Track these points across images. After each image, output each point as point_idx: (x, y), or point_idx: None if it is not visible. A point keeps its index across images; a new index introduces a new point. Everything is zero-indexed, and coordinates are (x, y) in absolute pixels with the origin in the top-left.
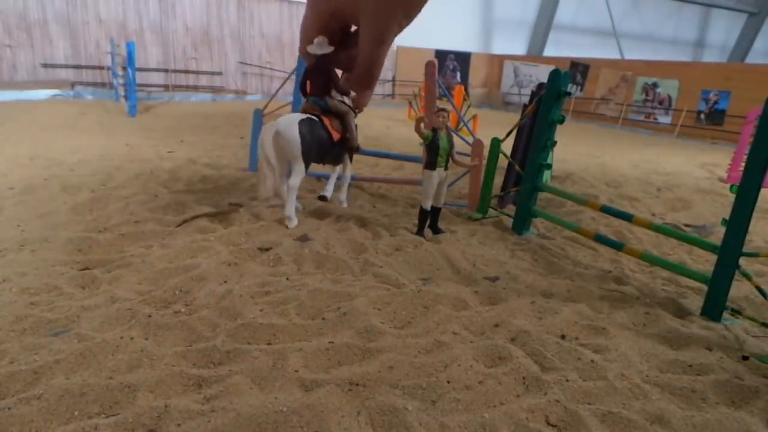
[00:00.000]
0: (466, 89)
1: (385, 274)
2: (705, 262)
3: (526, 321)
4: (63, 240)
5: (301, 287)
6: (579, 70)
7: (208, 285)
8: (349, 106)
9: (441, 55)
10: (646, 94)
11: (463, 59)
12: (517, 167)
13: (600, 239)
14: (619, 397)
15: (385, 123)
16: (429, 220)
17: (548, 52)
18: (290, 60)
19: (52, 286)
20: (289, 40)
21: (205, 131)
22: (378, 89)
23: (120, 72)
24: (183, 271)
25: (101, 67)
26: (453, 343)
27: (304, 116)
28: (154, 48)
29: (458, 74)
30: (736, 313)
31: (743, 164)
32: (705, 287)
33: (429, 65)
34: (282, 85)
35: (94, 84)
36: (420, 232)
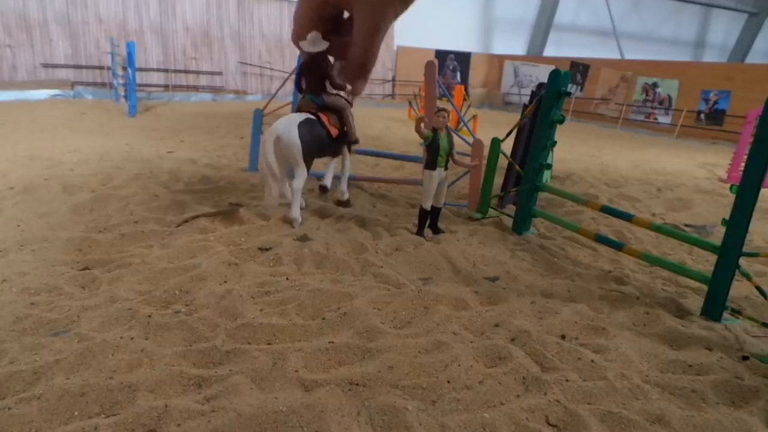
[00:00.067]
0: (466, 89)
1: (385, 274)
2: (705, 262)
3: (526, 321)
4: (63, 240)
5: (301, 287)
6: (579, 70)
7: (208, 285)
8: (345, 100)
9: (441, 55)
10: (646, 94)
11: (463, 59)
12: (517, 167)
13: (600, 239)
14: (619, 397)
15: (385, 123)
16: (429, 220)
17: (548, 52)
18: (290, 60)
19: (52, 286)
20: (289, 40)
21: (205, 131)
22: (378, 89)
23: (120, 72)
24: (183, 271)
25: (101, 67)
26: (453, 343)
27: (303, 117)
28: (154, 48)
29: (458, 74)
30: (736, 313)
31: (743, 164)
32: (705, 287)
33: (429, 65)
34: (282, 85)
35: (94, 84)
36: (420, 232)
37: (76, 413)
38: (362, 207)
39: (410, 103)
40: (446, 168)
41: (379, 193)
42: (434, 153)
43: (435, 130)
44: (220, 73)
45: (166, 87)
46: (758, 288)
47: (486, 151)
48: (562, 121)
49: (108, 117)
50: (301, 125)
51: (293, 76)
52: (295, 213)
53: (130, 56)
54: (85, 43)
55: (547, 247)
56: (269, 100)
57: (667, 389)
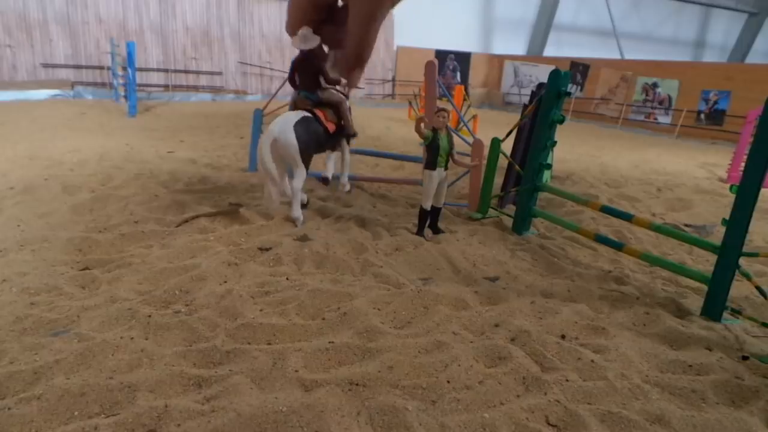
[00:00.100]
0: (466, 89)
1: (385, 274)
2: (705, 262)
3: (526, 321)
4: (63, 240)
5: (301, 287)
6: (579, 70)
7: (208, 285)
8: (342, 93)
9: (441, 55)
10: (646, 94)
11: (463, 59)
12: (517, 167)
13: (600, 239)
14: (619, 397)
15: (385, 123)
16: (429, 220)
17: (548, 52)
18: (290, 60)
19: (52, 286)
20: (289, 40)
21: (205, 131)
22: (378, 89)
23: (120, 72)
24: (183, 271)
25: (101, 67)
26: (453, 343)
27: (299, 116)
28: (154, 48)
29: (458, 74)
30: (736, 313)
31: (743, 164)
32: (705, 287)
33: (429, 65)
34: (282, 85)
35: (94, 84)
36: (420, 232)
37: (76, 413)
38: (362, 207)
39: (410, 103)
40: (446, 168)
41: (379, 193)
42: (434, 153)
43: (435, 130)
44: (220, 73)
45: (166, 87)
46: (758, 288)
47: (486, 151)
48: (562, 121)
49: (108, 117)
50: (297, 125)
51: None
52: (296, 212)
53: (130, 56)
54: (85, 43)
55: (547, 247)
56: (269, 100)
57: (667, 389)
